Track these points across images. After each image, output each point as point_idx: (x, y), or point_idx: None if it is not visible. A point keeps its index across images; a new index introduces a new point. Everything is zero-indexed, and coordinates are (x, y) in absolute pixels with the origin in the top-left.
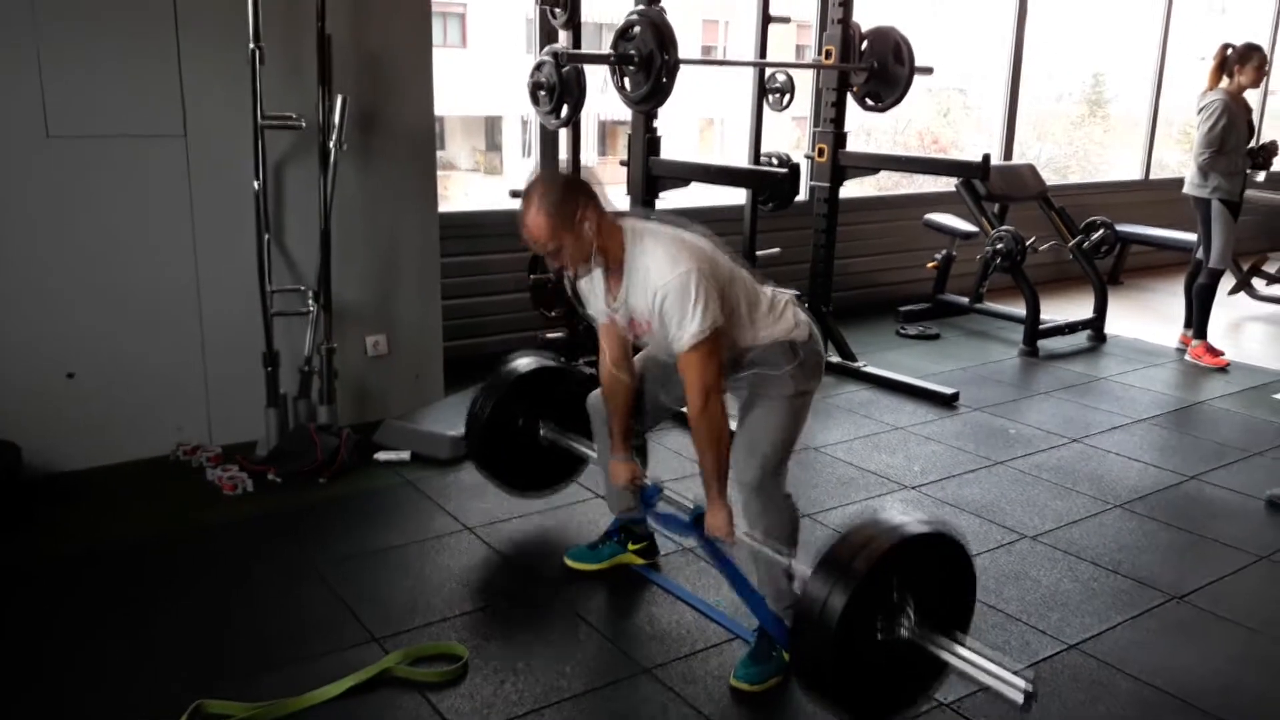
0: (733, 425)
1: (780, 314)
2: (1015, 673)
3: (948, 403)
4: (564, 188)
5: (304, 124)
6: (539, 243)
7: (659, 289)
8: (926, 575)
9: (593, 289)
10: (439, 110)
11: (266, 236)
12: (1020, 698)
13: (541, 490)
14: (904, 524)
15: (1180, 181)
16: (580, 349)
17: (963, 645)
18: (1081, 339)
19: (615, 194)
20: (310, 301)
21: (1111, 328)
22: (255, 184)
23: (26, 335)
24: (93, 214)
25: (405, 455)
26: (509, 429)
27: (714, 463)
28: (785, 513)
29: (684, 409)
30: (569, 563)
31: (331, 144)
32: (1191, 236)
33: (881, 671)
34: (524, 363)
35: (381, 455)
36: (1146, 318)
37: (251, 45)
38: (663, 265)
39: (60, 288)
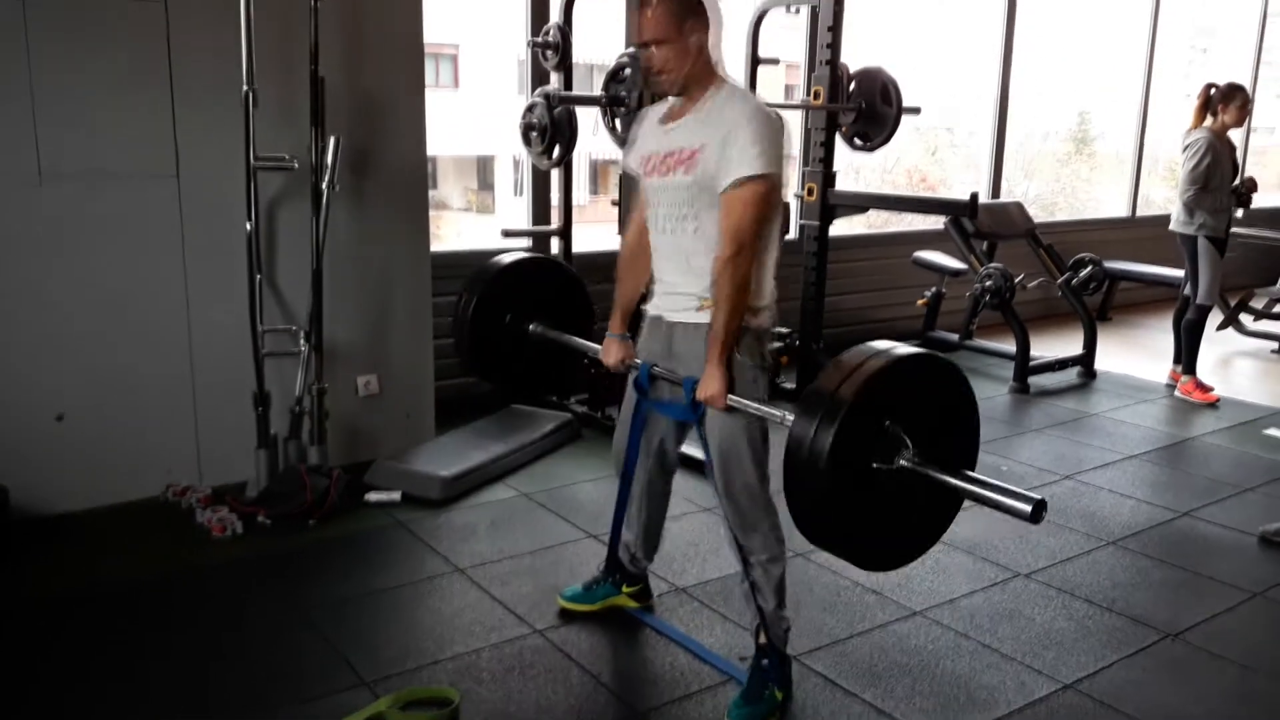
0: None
1: (771, 273)
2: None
3: None
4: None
5: (296, 165)
6: (648, 33)
7: (740, 116)
8: (922, 406)
9: (647, 121)
10: (431, 150)
11: (259, 276)
12: (1028, 508)
13: (536, 392)
14: (893, 349)
15: (1167, 218)
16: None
17: (969, 478)
18: (1071, 375)
19: (608, 233)
20: (301, 341)
21: (1101, 364)
22: (248, 224)
23: (15, 376)
24: (83, 255)
25: (396, 496)
26: (496, 327)
27: (725, 319)
28: (770, 529)
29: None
30: (563, 603)
31: (324, 185)
32: (1179, 273)
33: (880, 512)
34: (507, 257)
35: (372, 496)
36: (1135, 354)
37: (245, 87)
38: (751, 106)
39: (50, 328)
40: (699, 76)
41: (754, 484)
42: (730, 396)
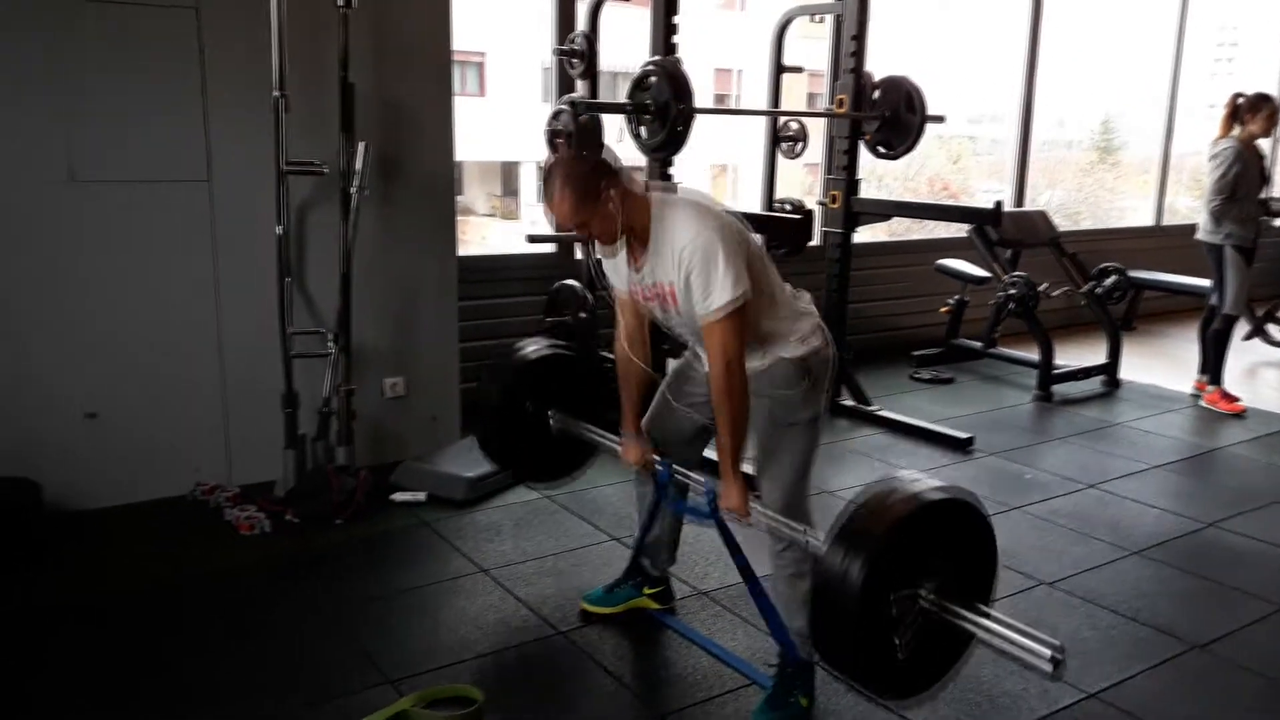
0: (749, 468)
1: (800, 314)
2: (1042, 640)
3: (962, 447)
4: (586, 166)
5: (326, 170)
6: (565, 222)
7: (684, 249)
8: (945, 544)
9: (616, 263)
10: (457, 156)
11: (288, 280)
12: (1049, 666)
13: (555, 478)
14: (920, 491)
15: (1192, 227)
16: None
17: (986, 615)
18: (1095, 384)
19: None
20: (330, 344)
21: (1125, 373)
22: (278, 228)
23: (49, 376)
24: (116, 257)
25: (422, 496)
26: (517, 416)
27: (731, 434)
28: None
29: (706, 453)
30: (585, 606)
31: (353, 189)
32: (1204, 282)
33: (903, 645)
34: (530, 348)
35: (398, 496)
36: (1161, 363)
37: (276, 93)
38: (689, 227)
39: (83, 329)
40: (633, 220)
41: (792, 485)
42: (753, 506)
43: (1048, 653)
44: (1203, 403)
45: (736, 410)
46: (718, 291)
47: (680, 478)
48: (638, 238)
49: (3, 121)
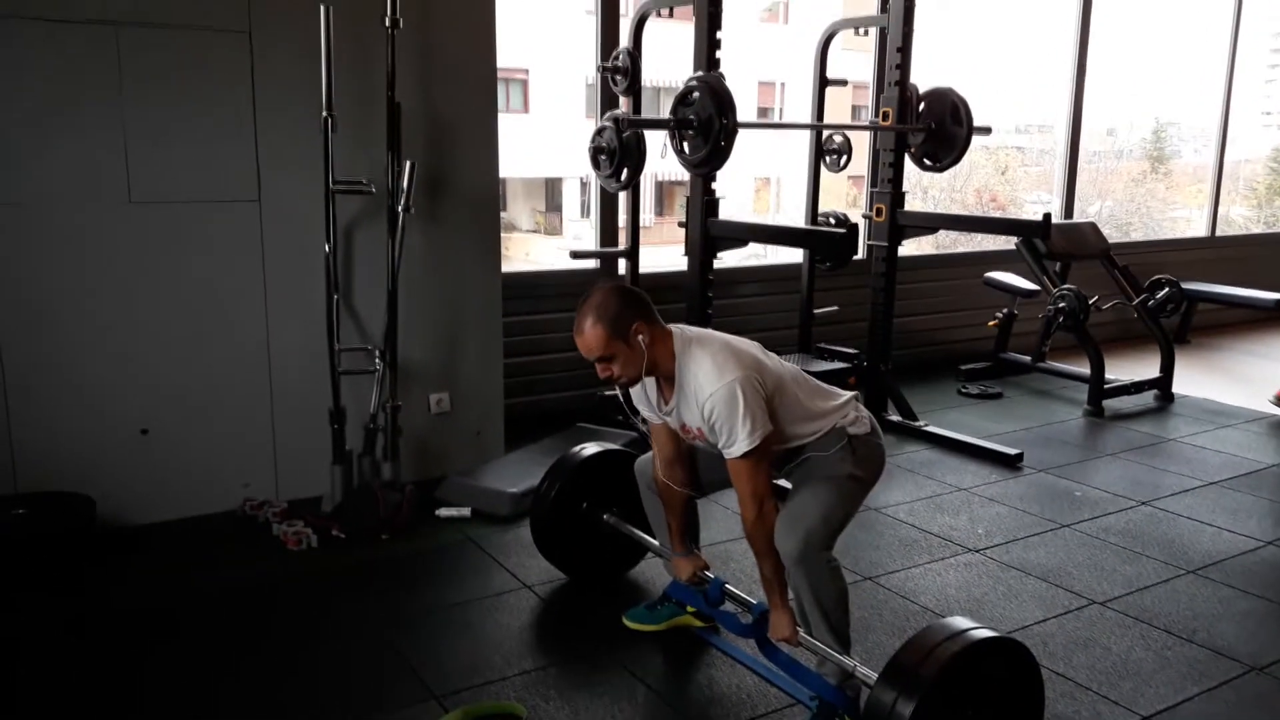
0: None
1: (838, 407)
2: None
3: (1011, 464)
4: (619, 301)
5: (373, 188)
6: (593, 353)
7: (707, 399)
8: (994, 685)
9: (645, 395)
10: (501, 173)
11: (335, 297)
12: None
13: (604, 577)
14: (969, 633)
15: (1247, 238)
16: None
17: None
18: (1148, 399)
19: (674, 254)
20: (376, 360)
21: (1179, 387)
22: (326, 246)
23: (105, 392)
24: (169, 276)
25: (466, 512)
26: (572, 516)
27: (773, 570)
28: (829, 582)
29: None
30: (627, 623)
31: (400, 208)
32: (1262, 294)
33: None
34: (589, 449)
35: (443, 511)
36: (1216, 377)
37: (324, 113)
38: (710, 375)
39: (137, 346)
40: (658, 358)
41: (814, 528)
42: (802, 636)
43: None
44: (1270, 399)
45: (772, 545)
46: (740, 439)
47: (730, 598)
48: (664, 379)
49: (66, 145)
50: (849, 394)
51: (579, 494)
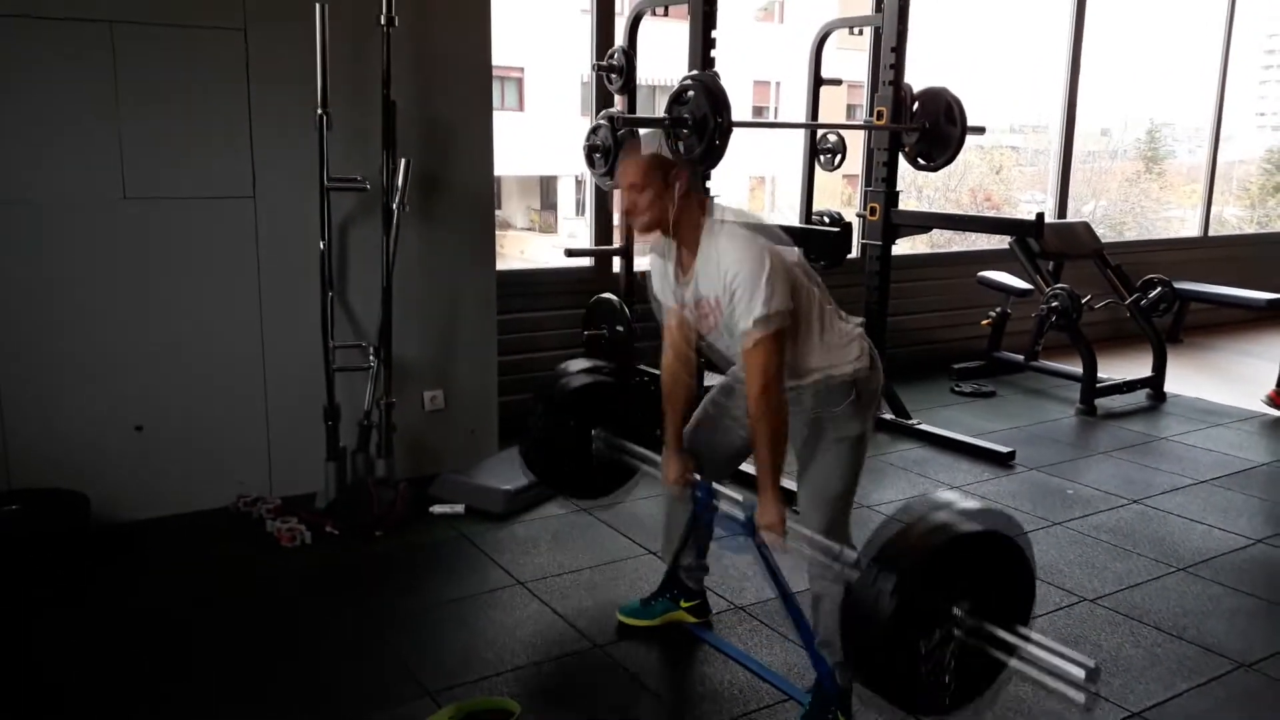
0: (790, 483)
1: (847, 341)
2: (1076, 660)
3: (1004, 462)
4: (667, 153)
5: (368, 186)
6: (628, 179)
7: (732, 264)
8: (982, 565)
9: (665, 271)
10: (496, 171)
11: (330, 294)
12: (1084, 686)
13: (596, 497)
14: (958, 513)
15: (1240, 238)
16: None
17: (1020, 636)
18: (1140, 398)
19: None
20: (371, 357)
21: (1171, 386)
22: (320, 243)
23: (99, 388)
24: (163, 272)
25: (460, 509)
26: (562, 436)
27: (769, 455)
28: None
29: (740, 466)
30: (621, 618)
31: (394, 205)
32: (1254, 294)
33: (939, 665)
34: (577, 370)
35: (437, 508)
36: (1208, 377)
37: (319, 111)
38: (738, 243)
39: (131, 342)
40: (685, 220)
41: (833, 503)
42: (791, 526)
43: (1081, 673)
44: (1263, 398)
45: (774, 428)
46: (758, 309)
47: (718, 495)
48: (687, 246)
49: (61, 141)
50: (857, 320)
51: (566, 413)
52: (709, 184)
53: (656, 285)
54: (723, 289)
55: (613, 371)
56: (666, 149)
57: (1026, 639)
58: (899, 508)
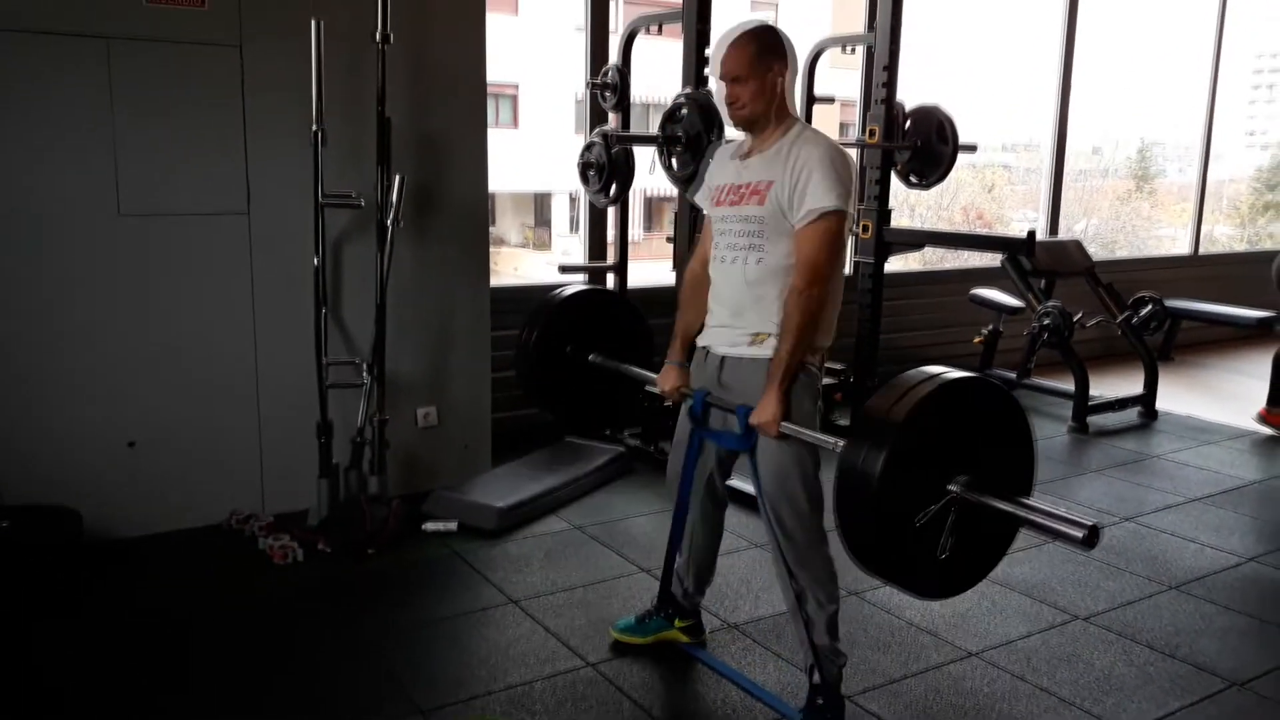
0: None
1: (832, 320)
2: (1074, 520)
3: None
4: (777, 38)
5: (363, 202)
6: (731, 71)
7: (812, 151)
8: (975, 432)
9: (727, 158)
10: (490, 187)
11: (324, 310)
12: (1082, 542)
13: (592, 426)
14: (944, 373)
15: (1231, 256)
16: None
17: (1017, 502)
18: (1132, 415)
19: (662, 269)
20: (364, 373)
21: (1163, 404)
22: (315, 260)
23: (92, 405)
24: (157, 288)
25: (453, 526)
26: (558, 357)
27: (791, 347)
28: (823, 563)
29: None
30: (615, 635)
31: (389, 221)
32: (1245, 312)
33: (933, 539)
34: (570, 290)
35: (429, 525)
36: (1199, 394)
37: (314, 127)
38: (825, 145)
39: (125, 358)
40: (774, 115)
41: (806, 513)
42: (783, 424)
43: (1080, 533)
44: (1253, 416)
45: (807, 319)
46: (827, 193)
47: (714, 403)
48: (762, 139)
49: (55, 158)
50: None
51: (562, 337)
52: None
53: (711, 171)
54: (788, 175)
55: (605, 291)
56: (770, 35)
57: (1021, 504)
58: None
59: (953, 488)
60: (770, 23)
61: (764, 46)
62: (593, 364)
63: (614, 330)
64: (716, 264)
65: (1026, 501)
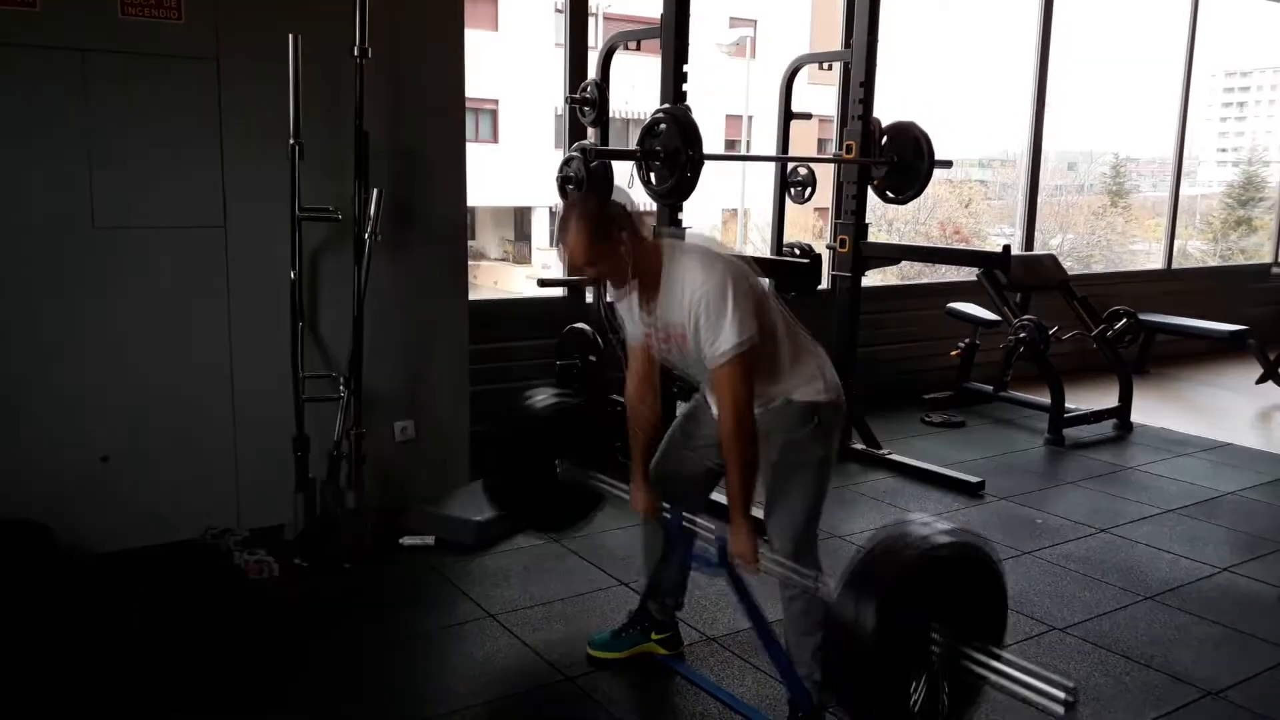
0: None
1: (811, 364)
2: (1055, 681)
3: (973, 491)
4: (601, 207)
5: (340, 216)
6: (579, 263)
7: (695, 291)
8: (956, 588)
9: (629, 307)
10: (470, 201)
11: (300, 324)
12: (1061, 708)
13: (562, 529)
14: (930, 536)
15: (1204, 271)
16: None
17: (998, 658)
18: (1107, 428)
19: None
20: (341, 387)
21: (1138, 417)
22: (291, 273)
23: (64, 418)
24: (132, 301)
25: (430, 540)
26: (527, 466)
27: (741, 481)
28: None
29: (712, 495)
30: (591, 651)
31: (366, 235)
32: (1218, 325)
33: (916, 690)
34: (541, 399)
35: (407, 540)
36: (1174, 407)
37: (291, 141)
38: (700, 270)
39: (99, 372)
40: (644, 263)
41: (800, 528)
42: (762, 554)
43: (1061, 694)
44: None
45: (746, 455)
46: (726, 335)
47: (689, 526)
48: (649, 282)
49: (28, 170)
50: (819, 352)
51: (530, 444)
52: (680, 215)
53: (622, 315)
54: (688, 315)
55: (576, 398)
56: (593, 202)
57: (1006, 661)
58: (872, 535)
59: (935, 646)
60: (588, 192)
61: (595, 229)
62: (561, 474)
63: (584, 437)
64: (692, 374)
65: (1004, 666)
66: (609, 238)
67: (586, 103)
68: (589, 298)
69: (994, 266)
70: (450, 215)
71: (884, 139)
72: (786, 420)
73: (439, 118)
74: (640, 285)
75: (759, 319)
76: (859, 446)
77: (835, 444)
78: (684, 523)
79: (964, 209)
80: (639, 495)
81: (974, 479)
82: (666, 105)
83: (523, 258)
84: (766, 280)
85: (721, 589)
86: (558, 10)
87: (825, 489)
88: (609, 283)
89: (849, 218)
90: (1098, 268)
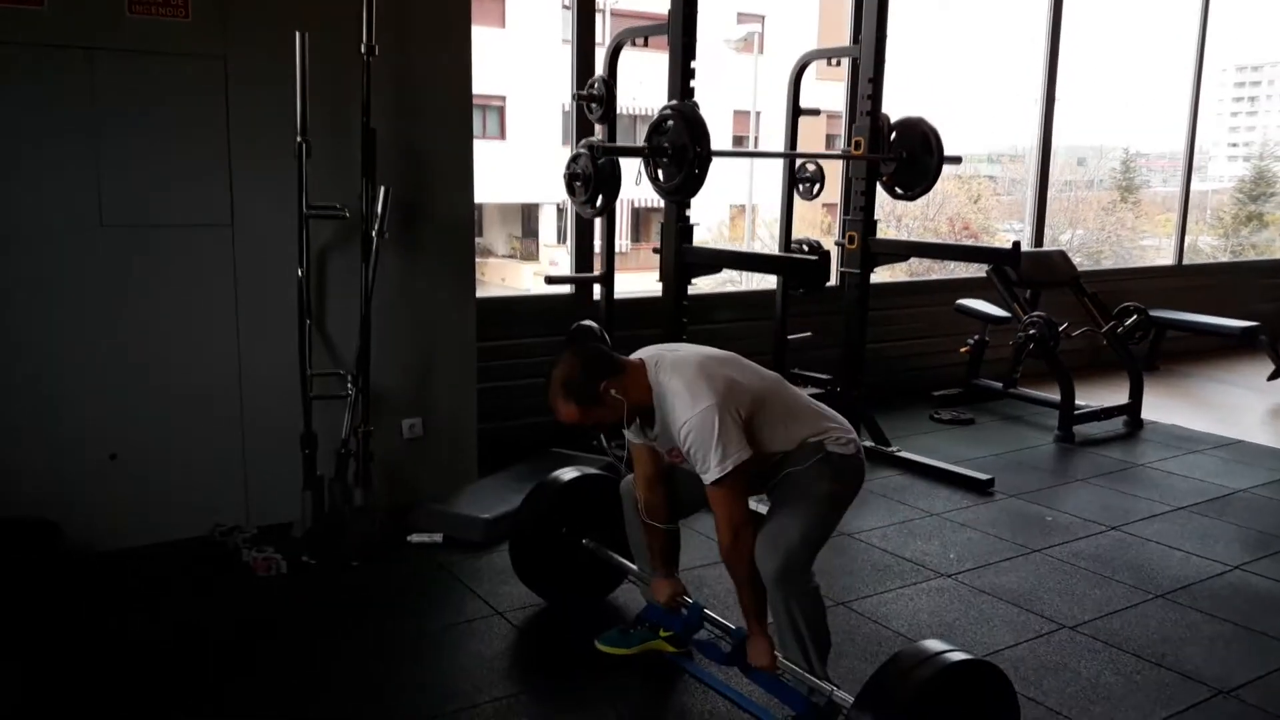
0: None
1: (823, 429)
2: None
3: (983, 489)
4: (580, 371)
5: (347, 214)
6: (574, 421)
7: (682, 426)
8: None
9: (638, 436)
10: (477, 198)
11: (308, 322)
12: None
13: (582, 601)
14: (946, 654)
15: (1214, 267)
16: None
17: None
18: (1118, 425)
19: (649, 280)
20: (349, 385)
21: (1148, 413)
22: (299, 271)
23: (73, 416)
24: (140, 299)
25: (438, 538)
26: (551, 540)
27: (750, 596)
28: (809, 604)
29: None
30: (600, 647)
31: (374, 233)
32: (1229, 322)
33: None
34: (568, 474)
35: (415, 537)
36: (1184, 403)
37: (299, 138)
38: (685, 403)
39: (107, 370)
40: (637, 400)
41: (794, 549)
42: (781, 661)
43: None
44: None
45: (750, 572)
46: (715, 465)
47: (709, 623)
48: (645, 416)
49: (36, 168)
50: (837, 418)
51: (558, 518)
52: (689, 212)
53: (626, 429)
54: (680, 442)
55: (601, 475)
56: (571, 366)
57: None
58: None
59: None
60: (565, 356)
61: (580, 391)
62: (585, 549)
63: (610, 512)
64: None
65: None
66: (595, 397)
67: (594, 99)
68: (596, 294)
69: (1004, 262)
70: (457, 212)
71: (893, 135)
72: (799, 454)
73: (446, 115)
74: (639, 418)
75: (751, 426)
76: (868, 444)
77: (844, 491)
78: (701, 617)
79: (973, 204)
80: (660, 586)
81: (984, 476)
82: (674, 101)
83: (530, 254)
84: (773, 373)
85: (728, 586)
86: (565, 6)
87: (827, 528)
88: (610, 432)
89: (857, 214)
90: (1108, 263)
